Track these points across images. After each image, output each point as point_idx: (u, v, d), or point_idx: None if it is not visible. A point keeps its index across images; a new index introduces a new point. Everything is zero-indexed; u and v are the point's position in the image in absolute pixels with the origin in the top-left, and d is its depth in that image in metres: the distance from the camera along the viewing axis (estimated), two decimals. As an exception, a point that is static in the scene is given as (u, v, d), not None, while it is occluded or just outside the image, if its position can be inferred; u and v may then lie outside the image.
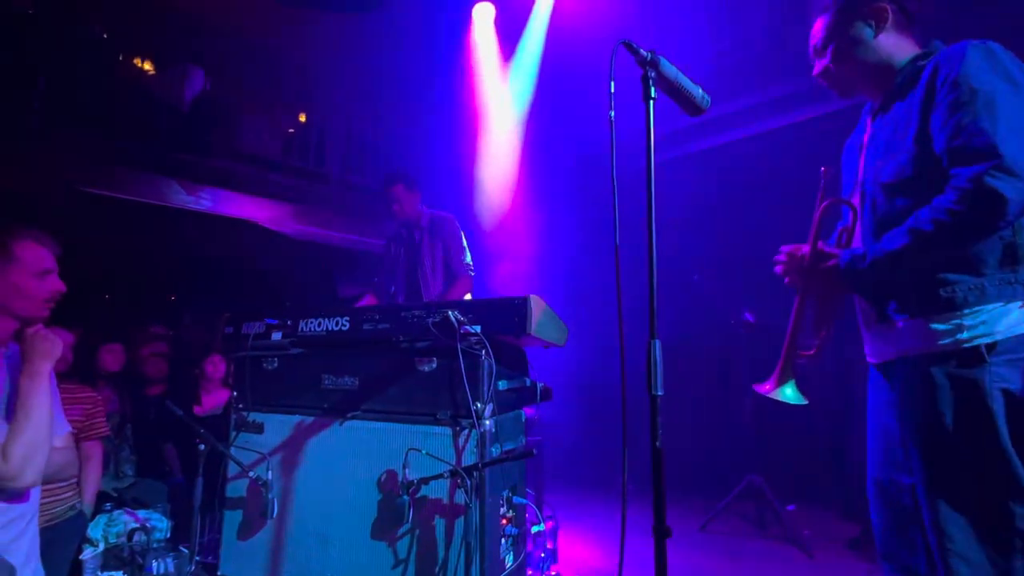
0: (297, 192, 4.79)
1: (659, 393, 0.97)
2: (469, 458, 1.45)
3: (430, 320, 1.55)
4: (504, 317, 1.50)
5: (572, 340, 1.80)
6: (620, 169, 1.06)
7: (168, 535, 2.02)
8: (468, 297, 3.02)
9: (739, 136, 3.81)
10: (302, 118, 5.06)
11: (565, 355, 3.18)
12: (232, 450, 1.74)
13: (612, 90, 1.10)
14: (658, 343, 0.98)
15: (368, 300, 3.08)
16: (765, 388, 1.26)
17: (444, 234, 2.96)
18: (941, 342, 1.02)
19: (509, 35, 4.38)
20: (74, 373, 2.38)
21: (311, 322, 1.77)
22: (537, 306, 1.51)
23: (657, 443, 0.96)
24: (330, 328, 1.73)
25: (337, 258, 5.15)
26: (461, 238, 3.00)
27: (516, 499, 1.59)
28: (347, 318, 1.71)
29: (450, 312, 1.51)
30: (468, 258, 2.99)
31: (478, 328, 1.50)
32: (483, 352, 1.48)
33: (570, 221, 4.55)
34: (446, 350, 1.51)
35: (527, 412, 1.77)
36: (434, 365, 1.54)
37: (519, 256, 4.61)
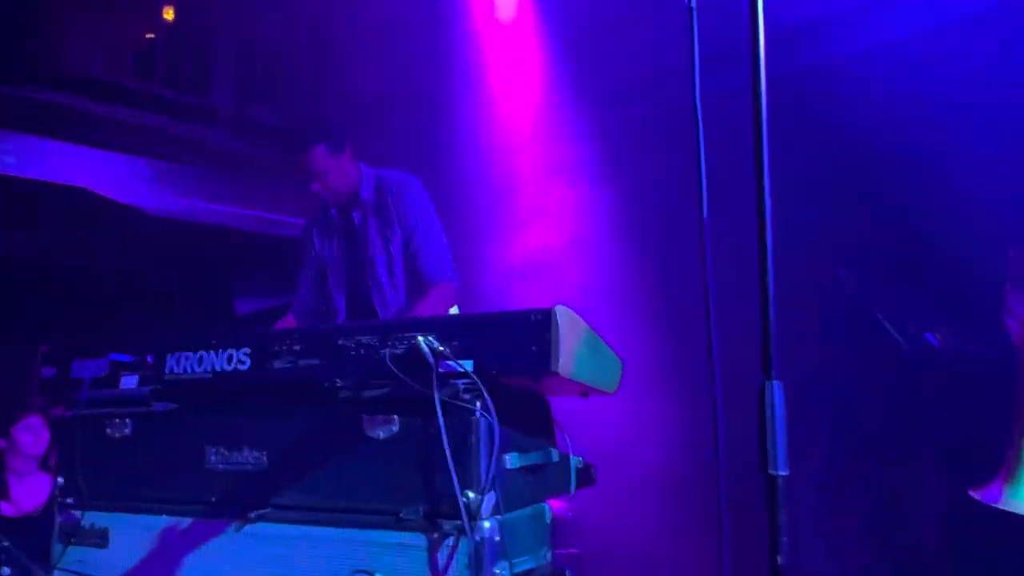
0: (162, 139, 4.85)
1: (781, 473, 0.97)
2: (456, 586, 1.46)
3: (387, 352, 1.57)
4: (513, 345, 1.51)
5: (629, 382, 1.79)
6: (707, 96, 1.06)
7: None
8: (454, 312, 3.04)
9: (913, 29, 3.77)
10: (168, 15, 5.13)
11: (617, 407, 3.15)
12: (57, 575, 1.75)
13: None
14: (778, 387, 0.98)
15: (287, 322, 3.11)
16: (991, 493, 1.18)
17: (403, 210, 3.00)
18: None
19: None
20: None
21: (187, 358, 1.79)
22: (568, 325, 1.51)
23: (779, 557, 0.96)
24: (220, 368, 1.74)
25: (233, 250, 5.19)
26: (433, 215, 3.03)
27: (537, 656, 1.61)
28: (248, 350, 1.72)
29: (421, 338, 1.53)
30: (446, 250, 3.02)
31: (469, 364, 1.51)
32: (477, 405, 1.49)
33: (625, 184, 4.55)
34: (415, 402, 1.53)
35: (555, 506, 1.77)
36: (395, 428, 1.55)
37: (540, 244, 4.62)
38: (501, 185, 4.83)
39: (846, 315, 3.63)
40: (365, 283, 3.04)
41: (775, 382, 0.96)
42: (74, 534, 1.81)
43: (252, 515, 1.64)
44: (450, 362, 1.51)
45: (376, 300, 3.00)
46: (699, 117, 1.03)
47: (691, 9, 1.12)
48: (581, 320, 1.58)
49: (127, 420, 1.84)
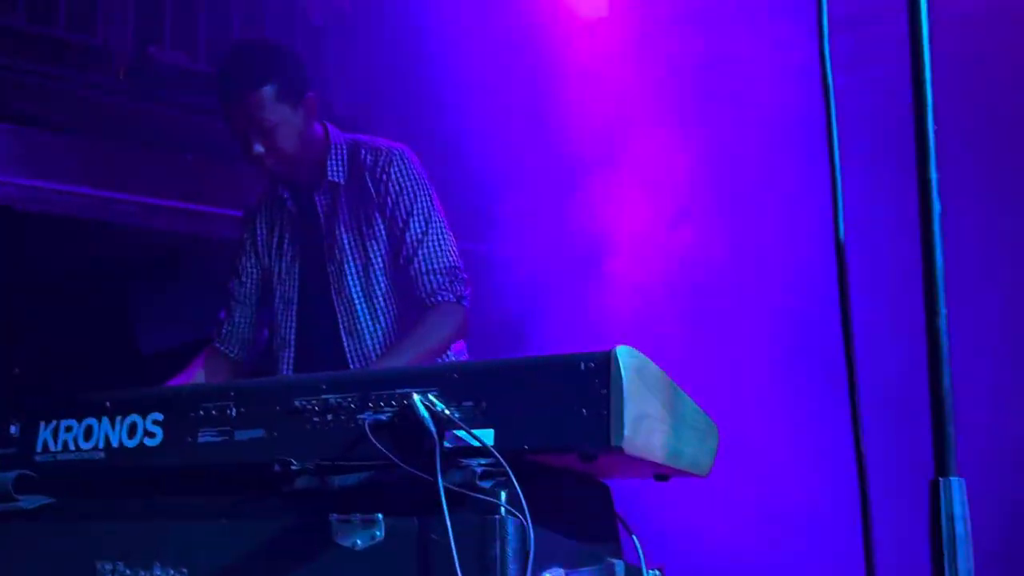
0: (30, 96, 4.89)
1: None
2: None
3: (367, 418, 1.57)
4: (554, 406, 1.50)
5: (729, 458, 1.79)
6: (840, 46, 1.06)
7: None
8: (461, 354, 3.07)
9: None
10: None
11: (712, 495, 3.14)
12: None
13: None
14: (958, 487, 0.98)
15: (204, 369, 3.14)
16: None
17: (389, 193, 3.03)
18: None
19: None
20: None
21: (69, 428, 1.79)
22: (637, 375, 1.51)
23: None
24: (117, 443, 1.75)
25: (135, 257, 5.21)
26: (432, 201, 3.07)
27: None
28: (159, 417, 1.73)
29: (417, 396, 1.53)
30: (452, 254, 3.04)
31: (489, 436, 1.51)
32: (503, 496, 1.48)
33: (730, 141, 4.54)
34: (409, 494, 1.52)
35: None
36: (379, 534, 1.54)
37: (591, 242, 4.60)
38: (529, 148, 4.84)
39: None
40: (327, 302, 3.07)
41: (954, 479, 0.94)
42: None
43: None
44: (461, 432, 1.51)
45: (344, 328, 3.04)
46: (829, 72, 1.03)
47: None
48: (656, 367, 1.57)
49: (-17, 521, 1.84)
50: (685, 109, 4.67)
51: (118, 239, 5.12)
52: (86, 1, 5.10)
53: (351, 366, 3.02)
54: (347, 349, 3.04)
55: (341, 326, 3.04)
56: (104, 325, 5.19)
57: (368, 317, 3.03)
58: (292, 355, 3.12)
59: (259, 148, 2.92)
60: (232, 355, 3.22)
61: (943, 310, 0.99)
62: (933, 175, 0.99)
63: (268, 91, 2.89)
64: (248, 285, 3.22)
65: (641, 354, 1.54)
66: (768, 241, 4.34)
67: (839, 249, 1.07)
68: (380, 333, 3.03)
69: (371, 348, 3.03)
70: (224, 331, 3.22)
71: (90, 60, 5.09)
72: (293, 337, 3.11)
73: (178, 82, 5.23)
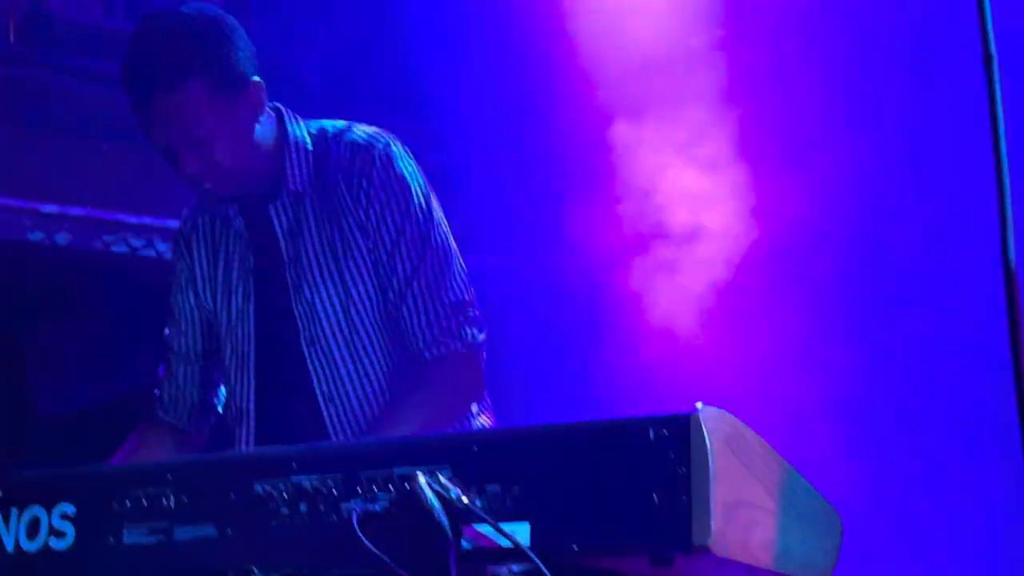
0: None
1: None
2: None
3: (356, 508, 1.58)
4: (612, 491, 1.51)
5: (854, 557, 1.77)
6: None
7: None
8: (479, 416, 3.10)
9: None
10: None
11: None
12: None
13: None
14: None
15: (141, 448, 3.15)
16: None
17: (372, 205, 3.04)
18: None
19: None
20: None
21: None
22: (728, 448, 1.51)
23: None
24: (15, 547, 1.75)
25: (32, 287, 5.25)
26: (432, 212, 3.10)
27: None
28: (70, 509, 1.74)
29: (423, 477, 1.54)
30: (459, 285, 3.07)
31: (524, 531, 1.52)
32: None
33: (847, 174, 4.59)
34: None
35: None
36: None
37: (653, 254, 4.64)
38: (545, 128, 4.90)
39: None
40: (297, 357, 3.07)
41: None
42: None
43: None
44: (485, 528, 1.52)
45: (322, 393, 3.04)
46: (992, 40, 1.03)
47: None
48: (754, 434, 1.59)
49: None
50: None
51: (9, 260, 5.15)
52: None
53: None
54: (328, 422, 3.02)
55: (318, 390, 3.03)
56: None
57: (354, 376, 3.02)
58: (252, 431, 3.10)
59: (192, 167, 2.89)
60: (179, 425, 3.23)
61: None
62: None
63: (196, 86, 2.83)
64: (189, 334, 3.22)
65: (732, 417, 1.54)
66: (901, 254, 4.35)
67: (1008, 275, 1.05)
68: (372, 397, 3.03)
69: (361, 419, 3.01)
70: (166, 395, 3.24)
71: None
72: (252, 407, 3.10)
73: (88, 45, 5.25)
